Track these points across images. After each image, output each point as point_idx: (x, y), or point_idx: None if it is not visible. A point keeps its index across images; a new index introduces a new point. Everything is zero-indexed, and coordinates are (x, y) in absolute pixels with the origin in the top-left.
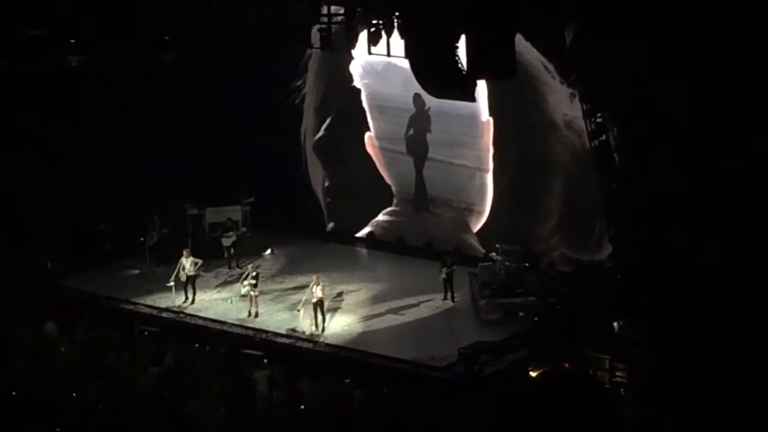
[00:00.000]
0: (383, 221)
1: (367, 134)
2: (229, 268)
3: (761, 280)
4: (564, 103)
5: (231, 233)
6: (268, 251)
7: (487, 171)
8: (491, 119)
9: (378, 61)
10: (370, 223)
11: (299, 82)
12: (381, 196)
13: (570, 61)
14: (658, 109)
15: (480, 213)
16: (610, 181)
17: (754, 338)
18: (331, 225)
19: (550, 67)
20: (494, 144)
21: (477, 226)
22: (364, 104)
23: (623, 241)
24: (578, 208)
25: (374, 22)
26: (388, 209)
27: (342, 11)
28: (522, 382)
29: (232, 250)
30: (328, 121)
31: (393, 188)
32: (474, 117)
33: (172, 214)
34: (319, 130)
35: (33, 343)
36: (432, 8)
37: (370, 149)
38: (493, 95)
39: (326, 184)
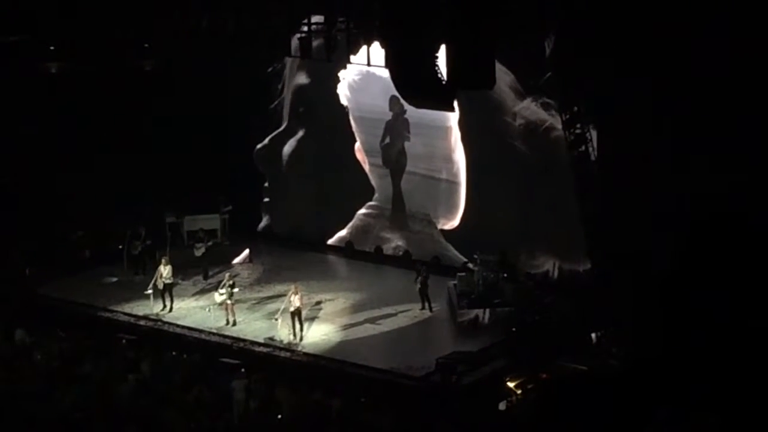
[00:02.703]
0: (361, 232)
1: (356, 145)
2: (204, 279)
3: (743, 291)
4: (528, 112)
5: (201, 245)
6: (246, 252)
7: (459, 182)
8: (453, 126)
9: (356, 71)
10: (349, 232)
11: (279, 91)
12: (316, 201)
13: (546, 71)
14: (638, 119)
15: (456, 224)
16: (589, 192)
17: (733, 347)
18: (265, 219)
19: (511, 77)
20: (465, 153)
21: (454, 236)
22: (350, 116)
23: (601, 253)
24: (556, 216)
25: (354, 31)
26: (367, 219)
27: (322, 20)
28: (499, 392)
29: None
30: (275, 132)
31: (375, 199)
32: (445, 127)
33: (154, 223)
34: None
35: (8, 351)
36: (412, 18)
37: (361, 160)
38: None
39: (265, 185)
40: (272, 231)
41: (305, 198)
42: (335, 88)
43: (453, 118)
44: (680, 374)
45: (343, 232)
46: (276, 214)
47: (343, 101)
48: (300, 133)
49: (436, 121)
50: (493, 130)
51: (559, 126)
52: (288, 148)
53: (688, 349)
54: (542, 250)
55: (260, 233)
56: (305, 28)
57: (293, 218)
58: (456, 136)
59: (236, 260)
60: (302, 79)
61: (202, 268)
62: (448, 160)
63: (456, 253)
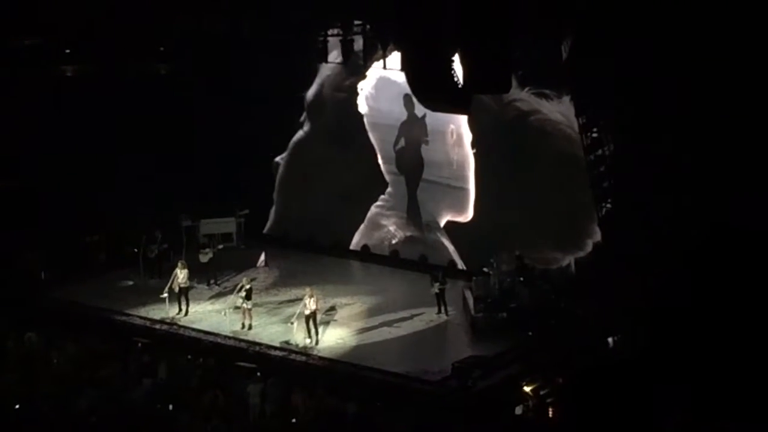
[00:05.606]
0: (376, 226)
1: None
2: (208, 285)
3: (759, 294)
4: (522, 103)
5: (207, 250)
6: (262, 256)
7: (464, 186)
8: (453, 129)
9: (373, 78)
10: (365, 227)
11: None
12: (332, 208)
13: (564, 74)
14: (655, 123)
15: (471, 226)
16: (605, 195)
17: (749, 347)
18: (270, 222)
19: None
20: (474, 154)
21: (465, 239)
22: (366, 123)
23: (616, 255)
24: (568, 214)
25: (371, 36)
26: (379, 211)
27: (339, 24)
28: (515, 396)
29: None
30: (291, 141)
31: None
32: (443, 131)
33: (170, 227)
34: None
35: (23, 354)
36: (428, 23)
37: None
38: None
39: (274, 195)
40: (286, 235)
41: (322, 204)
42: (353, 96)
43: (455, 120)
44: (690, 375)
45: (360, 228)
46: (291, 219)
47: (361, 110)
48: (317, 140)
49: (436, 126)
50: (493, 126)
51: (550, 115)
52: (305, 154)
53: (696, 350)
54: (553, 244)
55: (276, 238)
56: (321, 32)
57: (309, 223)
58: (455, 138)
59: (258, 264)
60: (319, 87)
61: (209, 274)
62: (450, 163)
63: (471, 257)
